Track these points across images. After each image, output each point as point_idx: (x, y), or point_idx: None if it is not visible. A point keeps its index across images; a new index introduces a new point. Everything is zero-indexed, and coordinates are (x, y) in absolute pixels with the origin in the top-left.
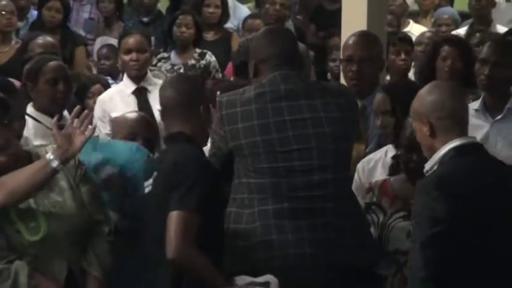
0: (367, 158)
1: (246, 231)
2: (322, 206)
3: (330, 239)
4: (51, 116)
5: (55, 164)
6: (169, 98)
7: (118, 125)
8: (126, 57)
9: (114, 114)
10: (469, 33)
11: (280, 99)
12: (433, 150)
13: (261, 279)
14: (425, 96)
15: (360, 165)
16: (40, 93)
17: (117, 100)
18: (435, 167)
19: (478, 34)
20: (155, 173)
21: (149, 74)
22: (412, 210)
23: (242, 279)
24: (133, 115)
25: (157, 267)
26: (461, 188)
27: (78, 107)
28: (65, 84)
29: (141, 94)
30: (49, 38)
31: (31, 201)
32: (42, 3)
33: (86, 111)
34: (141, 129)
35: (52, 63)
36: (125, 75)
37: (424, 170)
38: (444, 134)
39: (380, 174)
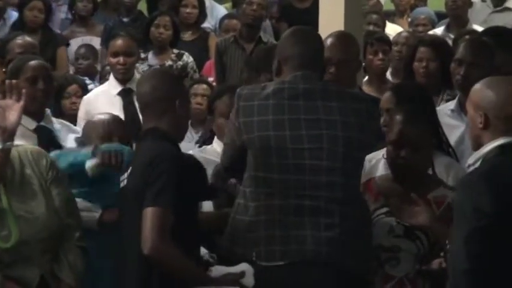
0: (369, 156)
1: (250, 224)
2: (328, 206)
3: (333, 239)
4: (32, 116)
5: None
6: (144, 93)
7: (94, 127)
8: (113, 60)
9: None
10: (456, 38)
11: (297, 97)
12: (479, 142)
13: (236, 268)
14: (487, 90)
15: (365, 164)
16: None
17: (102, 100)
18: (479, 162)
19: (468, 36)
20: (130, 168)
21: (136, 75)
22: (454, 204)
23: (217, 270)
24: (108, 116)
25: (130, 262)
26: (506, 183)
27: None
28: (45, 83)
29: (126, 95)
30: (28, 38)
31: (5, 205)
32: (24, 3)
33: (8, 81)
34: (116, 130)
35: (33, 62)
36: (111, 76)
37: (467, 164)
38: (494, 131)
39: (381, 173)
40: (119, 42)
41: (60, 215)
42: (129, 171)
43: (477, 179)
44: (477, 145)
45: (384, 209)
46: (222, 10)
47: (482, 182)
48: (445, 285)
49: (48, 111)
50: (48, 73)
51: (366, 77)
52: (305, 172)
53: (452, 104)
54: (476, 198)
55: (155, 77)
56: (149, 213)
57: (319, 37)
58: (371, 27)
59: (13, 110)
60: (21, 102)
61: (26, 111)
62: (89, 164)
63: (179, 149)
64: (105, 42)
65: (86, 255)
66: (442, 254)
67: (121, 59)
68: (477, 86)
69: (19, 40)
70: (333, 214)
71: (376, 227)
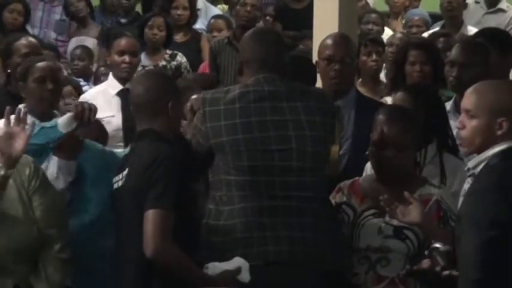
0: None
1: (225, 227)
2: (300, 206)
3: (306, 238)
4: (40, 118)
5: (2, 171)
6: (137, 95)
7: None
8: (118, 59)
9: (96, 115)
10: (433, 38)
11: (263, 99)
12: (484, 146)
13: (231, 264)
14: (507, 93)
15: (368, 165)
16: (29, 93)
17: (100, 100)
18: (480, 167)
19: (441, 39)
20: (127, 169)
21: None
22: (465, 210)
23: (214, 266)
24: None
25: (129, 263)
26: None
27: (8, 107)
28: (53, 84)
29: (125, 96)
30: (32, 39)
31: None
32: (3, 5)
33: (19, 107)
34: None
35: (41, 63)
36: (110, 76)
37: (466, 168)
38: (503, 136)
39: None
40: (125, 41)
41: (40, 226)
42: (125, 172)
43: (489, 187)
44: (480, 149)
45: (372, 211)
46: (216, 11)
47: (494, 191)
48: (435, 284)
49: (57, 112)
50: (56, 74)
51: (360, 78)
52: (274, 173)
53: (448, 105)
54: (490, 208)
55: (148, 78)
56: (151, 215)
57: (280, 38)
58: (369, 26)
59: (19, 138)
60: (28, 132)
61: (35, 112)
62: (61, 120)
63: (176, 149)
64: (103, 43)
65: (69, 266)
66: (426, 252)
67: (126, 57)
68: (492, 91)
69: (24, 41)
70: (306, 213)
71: (364, 229)
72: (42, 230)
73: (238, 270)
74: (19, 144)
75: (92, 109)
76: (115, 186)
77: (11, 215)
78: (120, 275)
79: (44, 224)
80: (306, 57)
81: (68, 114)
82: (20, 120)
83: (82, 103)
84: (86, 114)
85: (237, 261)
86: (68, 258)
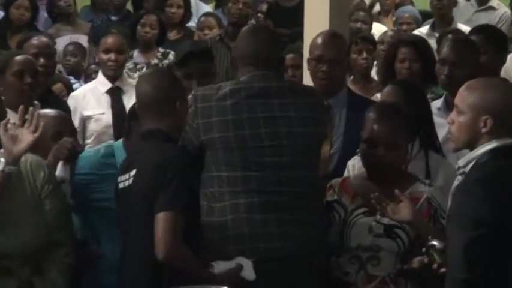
0: (351, 162)
1: (218, 224)
2: (292, 202)
3: (299, 234)
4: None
5: (1, 166)
6: (145, 94)
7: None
8: (105, 57)
9: (86, 113)
10: (440, 37)
11: (254, 96)
12: (472, 145)
13: (233, 263)
14: (493, 92)
15: (350, 162)
16: (7, 86)
17: (89, 98)
18: (470, 165)
19: (450, 36)
20: (135, 170)
21: (124, 73)
22: (452, 210)
23: (219, 265)
24: (55, 112)
25: (138, 263)
26: (506, 190)
27: (22, 106)
28: (32, 77)
29: (114, 93)
30: (43, 38)
31: None
32: (10, 1)
33: (31, 109)
34: (65, 125)
35: (19, 57)
36: (100, 74)
37: (456, 167)
38: (494, 134)
39: None
40: (111, 39)
41: (49, 230)
42: (133, 172)
43: (474, 186)
44: (466, 146)
45: (362, 209)
46: (207, 9)
47: (480, 189)
48: (426, 283)
49: (38, 104)
50: (34, 67)
51: (351, 76)
52: (266, 169)
53: (439, 103)
54: (475, 207)
55: (156, 77)
56: (163, 218)
57: (275, 35)
58: (358, 25)
59: (25, 139)
60: (36, 134)
61: (14, 107)
62: (58, 173)
63: (184, 152)
64: (92, 40)
65: (72, 272)
66: (423, 249)
67: (112, 55)
68: (480, 88)
69: (34, 41)
70: (298, 209)
71: (355, 227)
72: (51, 233)
73: (240, 267)
74: (23, 144)
75: (73, 143)
76: (121, 185)
77: (22, 217)
78: (128, 275)
79: (54, 228)
80: None
81: (60, 163)
82: (31, 123)
83: (61, 144)
84: (72, 153)
85: (240, 260)
86: (72, 263)
